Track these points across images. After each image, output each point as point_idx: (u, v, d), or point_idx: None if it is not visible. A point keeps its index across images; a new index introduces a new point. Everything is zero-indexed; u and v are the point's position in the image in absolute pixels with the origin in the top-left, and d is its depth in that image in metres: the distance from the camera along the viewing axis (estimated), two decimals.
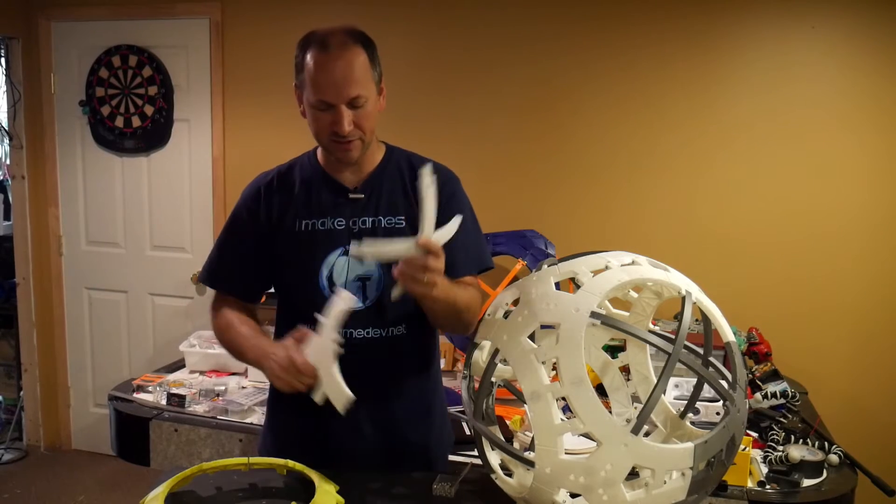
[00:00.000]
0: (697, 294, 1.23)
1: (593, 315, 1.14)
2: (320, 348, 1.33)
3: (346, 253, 1.52)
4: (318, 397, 1.33)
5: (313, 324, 1.48)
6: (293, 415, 1.57)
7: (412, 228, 1.45)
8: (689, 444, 1.11)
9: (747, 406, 1.20)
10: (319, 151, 1.61)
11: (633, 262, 1.24)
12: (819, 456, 1.87)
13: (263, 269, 1.59)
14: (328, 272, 1.52)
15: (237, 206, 1.61)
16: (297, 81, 1.56)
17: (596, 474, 1.11)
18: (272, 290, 1.66)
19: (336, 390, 1.32)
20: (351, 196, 1.54)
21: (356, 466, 1.51)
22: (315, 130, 1.51)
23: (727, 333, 1.24)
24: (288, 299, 1.61)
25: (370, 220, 1.53)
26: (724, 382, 1.21)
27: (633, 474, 1.14)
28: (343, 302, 1.34)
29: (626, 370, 1.49)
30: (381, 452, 1.56)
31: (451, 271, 1.43)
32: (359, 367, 1.48)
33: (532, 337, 1.19)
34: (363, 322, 1.51)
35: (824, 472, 1.87)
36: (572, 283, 1.24)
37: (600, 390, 2.43)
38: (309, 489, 1.27)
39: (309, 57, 1.49)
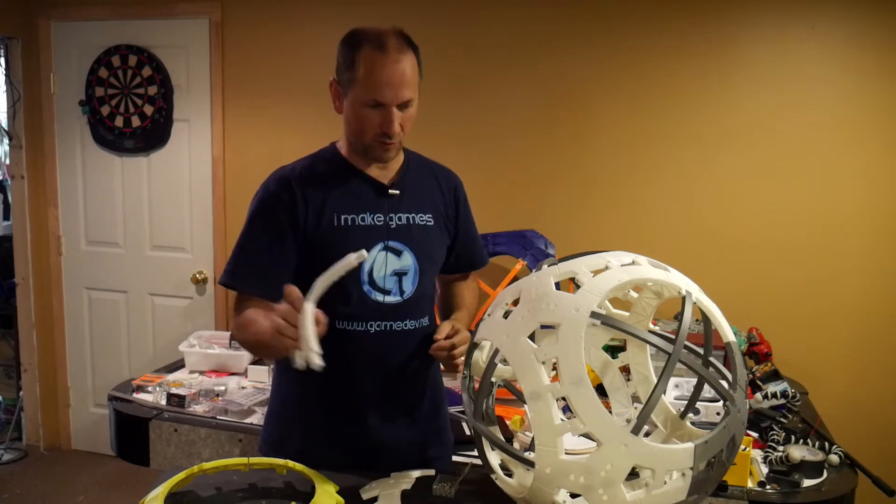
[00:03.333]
0: (697, 294, 1.22)
1: (593, 315, 1.13)
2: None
3: (385, 248, 1.55)
4: (297, 359, 1.24)
5: (349, 322, 1.53)
6: (326, 416, 1.58)
7: (439, 228, 1.63)
8: (690, 445, 1.11)
9: (748, 406, 1.19)
10: (343, 147, 1.59)
11: (633, 262, 1.23)
12: (819, 456, 1.87)
13: (293, 265, 1.53)
14: (369, 267, 1.53)
15: (263, 202, 1.54)
16: (338, 78, 1.53)
17: (596, 474, 1.10)
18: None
19: (306, 341, 1.23)
20: (389, 192, 1.56)
21: (391, 461, 1.52)
22: (358, 128, 1.50)
23: (727, 333, 1.23)
24: (323, 298, 1.56)
25: (405, 216, 1.57)
26: (724, 382, 1.21)
27: (634, 474, 1.14)
28: (357, 258, 1.25)
29: (626, 370, 1.49)
30: (414, 445, 1.61)
31: (471, 264, 1.76)
32: (397, 359, 1.57)
33: (532, 337, 1.19)
34: (401, 314, 1.56)
35: (824, 472, 1.87)
36: (572, 283, 1.24)
37: (600, 390, 2.43)
38: (309, 489, 1.27)
39: (363, 55, 1.47)
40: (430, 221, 1.61)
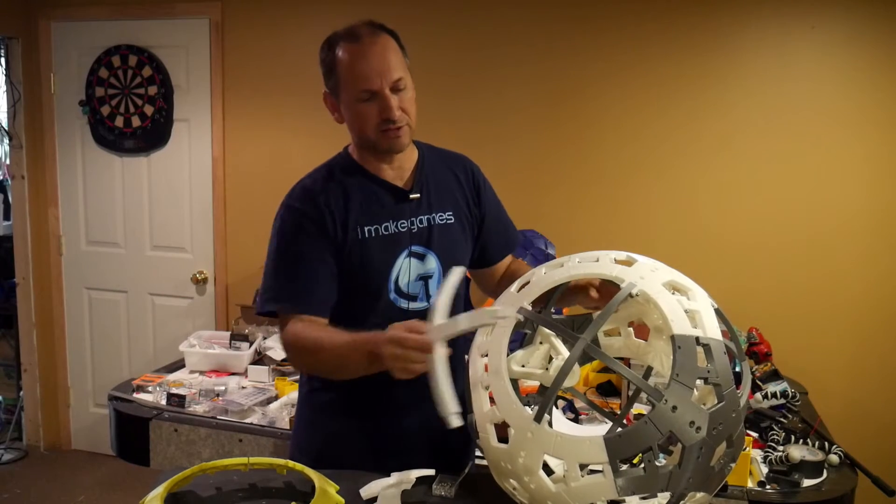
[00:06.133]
0: (645, 284, 1.15)
1: (520, 311, 1.19)
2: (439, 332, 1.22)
3: (410, 255, 1.52)
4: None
5: (377, 331, 1.44)
6: (359, 422, 1.56)
7: (460, 224, 1.59)
8: (599, 437, 1.07)
9: (704, 406, 1.09)
10: (355, 153, 1.56)
11: (597, 260, 1.23)
12: (819, 456, 1.87)
13: (335, 277, 1.49)
14: (395, 275, 1.51)
15: (292, 219, 1.49)
16: (328, 87, 1.51)
17: (516, 462, 1.13)
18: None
19: (443, 389, 1.16)
20: (410, 197, 1.53)
21: (423, 465, 1.47)
22: (360, 126, 1.47)
23: (671, 326, 1.13)
24: (350, 310, 1.51)
25: (425, 218, 1.54)
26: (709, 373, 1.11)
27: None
28: (456, 275, 1.25)
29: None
30: (445, 448, 1.58)
31: (507, 243, 1.72)
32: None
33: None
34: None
35: (824, 472, 1.87)
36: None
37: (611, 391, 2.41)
38: (309, 489, 1.27)
39: (340, 52, 1.46)
40: (450, 219, 1.57)
